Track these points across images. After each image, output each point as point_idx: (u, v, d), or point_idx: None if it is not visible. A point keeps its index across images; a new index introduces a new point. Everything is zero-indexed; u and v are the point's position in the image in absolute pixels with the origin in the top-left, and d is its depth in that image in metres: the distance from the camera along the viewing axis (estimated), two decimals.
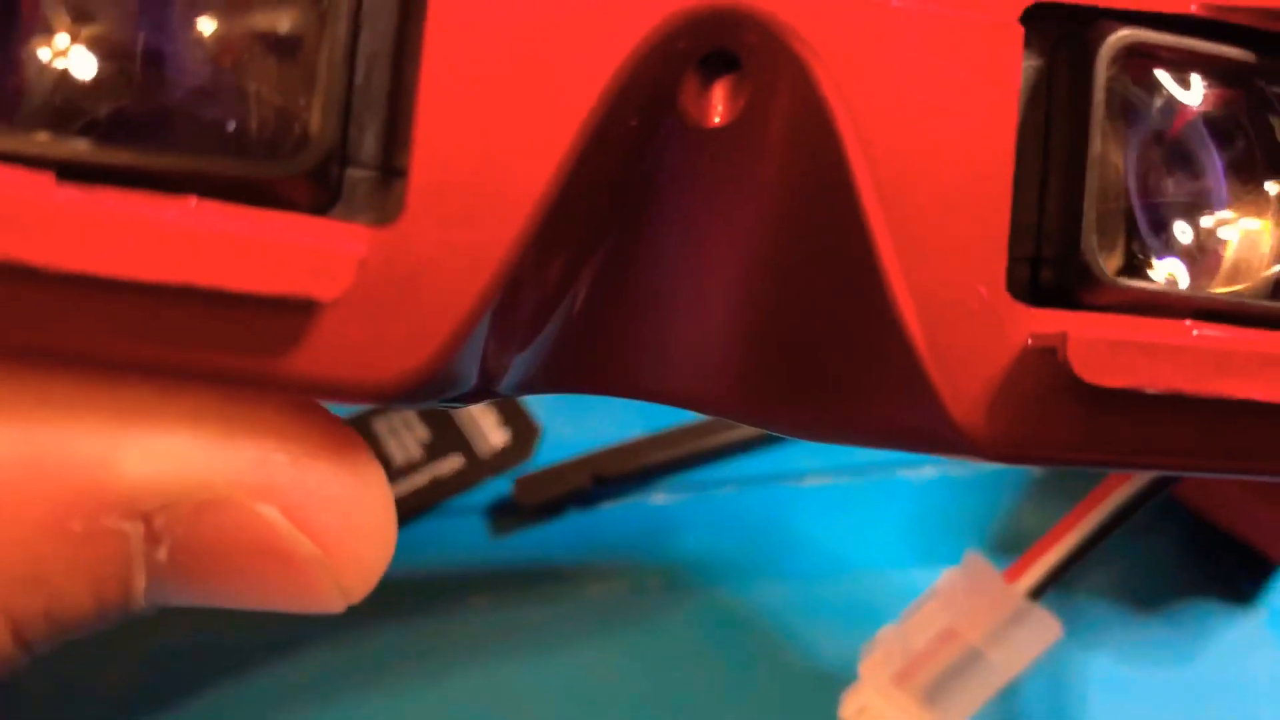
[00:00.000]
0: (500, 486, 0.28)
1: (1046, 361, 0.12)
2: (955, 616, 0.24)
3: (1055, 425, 0.13)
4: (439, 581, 0.28)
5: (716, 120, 0.13)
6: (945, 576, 0.25)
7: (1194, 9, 0.13)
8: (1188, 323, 0.13)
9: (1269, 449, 0.13)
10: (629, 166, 0.13)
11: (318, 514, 0.12)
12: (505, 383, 0.14)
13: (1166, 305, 0.13)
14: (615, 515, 0.29)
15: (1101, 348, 0.12)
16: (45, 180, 0.10)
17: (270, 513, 0.11)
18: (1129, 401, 0.12)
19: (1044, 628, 0.24)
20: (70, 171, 0.10)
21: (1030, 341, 0.12)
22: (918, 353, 0.12)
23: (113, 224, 0.10)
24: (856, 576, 0.28)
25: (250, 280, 0.10)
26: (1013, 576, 0.24)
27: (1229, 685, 0.28)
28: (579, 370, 0.15)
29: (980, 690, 0.24)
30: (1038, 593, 0.25)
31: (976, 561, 0.25)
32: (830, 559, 0.29)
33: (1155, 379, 0.12)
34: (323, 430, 0.12)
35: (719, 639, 0.27)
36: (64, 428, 0.11)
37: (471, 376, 0.12)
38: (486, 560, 0.28)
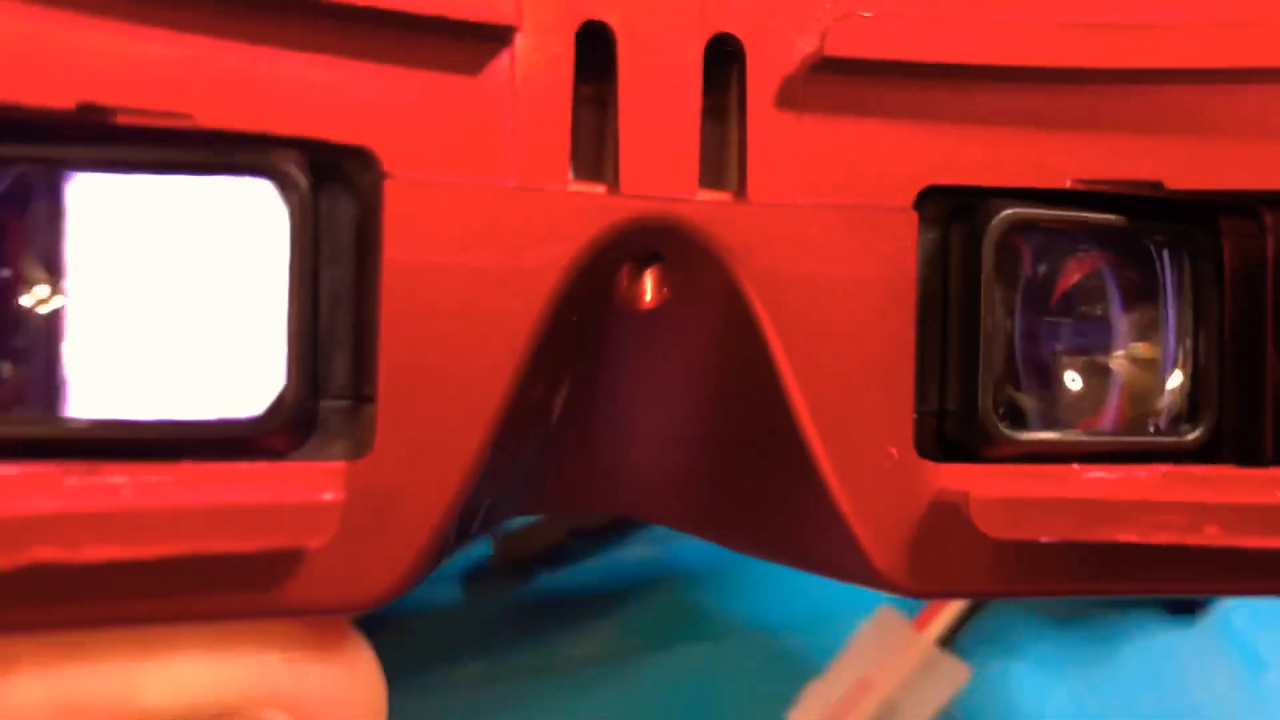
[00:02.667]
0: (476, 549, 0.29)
1: (953, 513, 0.14)
2: (869, 668, 0.26)
3: (965, 567, 0.14)
4: (423, 650, 0.29)
5: (648, 301, 0.14)
6: (860, 629, 0.27)
7: (1069, 184, 0.14)
8: (1077, 467, 0.14)
9: (1158, 573, 0.14)
10: (574, 350, 0.14)
11: (317, 707, 0.13)
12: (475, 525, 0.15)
13: (1059, 452, 0.14)
14: (592, 570, 0.30)
15: (999, 507, 0.13)
16: (52, 471, 0.11)
17: (277, 717, 0.12)
18: (1029, 545, 0.14)
19: (953, 673, 0.26)
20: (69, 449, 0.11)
21: (938, 496, 0.14)
22: (840, 510, 0.14)
23: (120, 512, 0.11)
24: (824, 625, 0.30)
25: (245, 541, 0.11)
26: (921, 625, 0.26)
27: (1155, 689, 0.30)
28: (546, 498, 0.16)
29: None
30: (947, 639, 0.27)
31: (888, 613, 0.27)
32: (799, 607, 0.30)
33: (1048, 531, 0.13)
34: (316, 630, 0.13)
35: (692, 693, 0.29)
36: (88, 672, 0.12)
37: (444, 554, 0.13)
38: (467, 624, 0.29)
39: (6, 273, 0.12)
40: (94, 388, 0.12)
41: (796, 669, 0.28)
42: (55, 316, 0.12)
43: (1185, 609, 0.31)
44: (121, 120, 0.11)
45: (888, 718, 0.26)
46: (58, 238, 0.12)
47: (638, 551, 0.31)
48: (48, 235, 0.12)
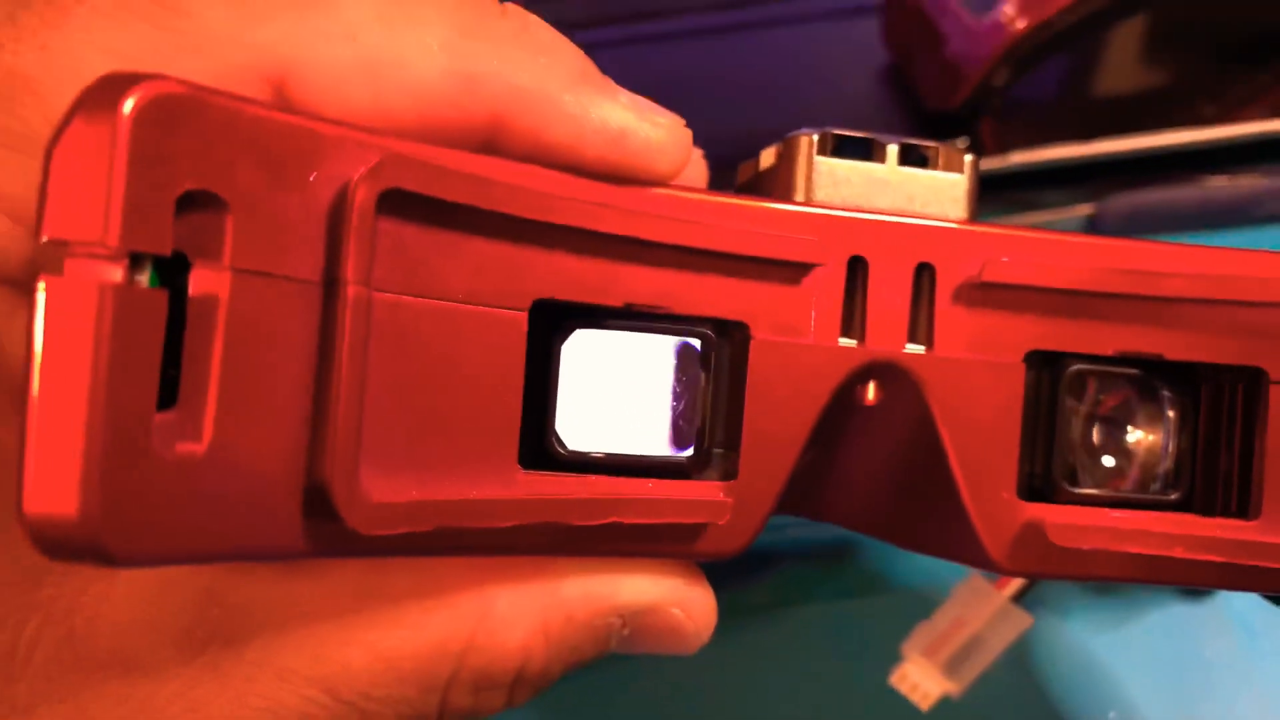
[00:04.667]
0: None
1: (1037, 530, 0.25)
2: (963, 612, 0.38)
3: (1041, 560, 0.25)
4: None
5: (870, 399, 0.26)
6: (957, 587, 0.38)
7: (1111, 352, 0.25)
8: (1110, 510, 0.25)
9: (1145, 573, 0.25)
10: (832, 421, 0.26)
11: (694, 609, 0.25)
12: None
13: (1098, 500, 0.26)
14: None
15: (1062, 528, 0.25)
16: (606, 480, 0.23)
17: (677, 612, 0.24)
18: (1075, 550, 0.25)
19: (1020, 619, 0.38)
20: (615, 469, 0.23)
21: (1030, 520, 0.25)
22: (974, 524, 0.25)
23: (644, 499, 0.23)
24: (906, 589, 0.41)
25: (688, 517, 0.23)
26: (1001, 586, 0.38)
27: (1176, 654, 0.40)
28: (791, 505, 0.28)
29: (980, 660, 0.38)
30: (1018, 597, 0.38)
31: (976, 577, 0.38)
32: (914, 577, 0.41)
33: (1087, 543, 0.25)
34: (692, 569, 0.25)
35: (837, 634, 0.40)
36: (598, 580, 0.24)
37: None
38: None
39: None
40: (615, 439, 0.24)
41: (910, 616, 0.40)
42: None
43: (1196, 591, 0.42)
44: (636, 308, 0.23)
45: (974, 646, 0.37)
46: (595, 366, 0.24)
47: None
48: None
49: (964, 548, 0.25)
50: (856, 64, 0.54)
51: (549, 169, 0.22)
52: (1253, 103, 0.54)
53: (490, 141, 0.22)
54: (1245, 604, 0.41)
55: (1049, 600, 0.40)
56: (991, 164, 0.50)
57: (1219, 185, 0.53)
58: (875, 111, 0.53)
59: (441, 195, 0.20)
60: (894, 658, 0.38)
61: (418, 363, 0.21)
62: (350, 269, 0.19)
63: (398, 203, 0.20)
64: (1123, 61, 0.57)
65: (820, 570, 0.41)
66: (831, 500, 0.28)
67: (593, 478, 0.23)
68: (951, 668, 0.37)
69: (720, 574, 0.40)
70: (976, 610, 0.37)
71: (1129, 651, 0.40)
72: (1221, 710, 0.39)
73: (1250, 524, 0.25)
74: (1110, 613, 0.41)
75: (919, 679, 0.37)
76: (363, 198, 0.19)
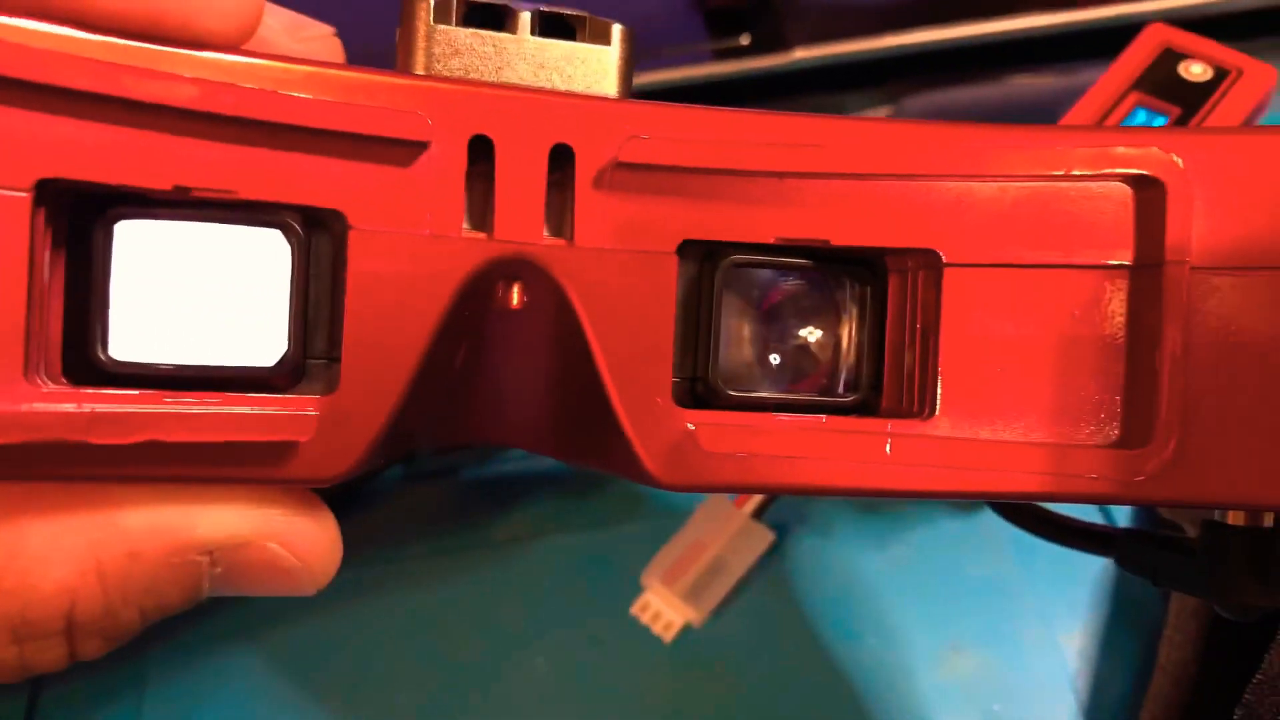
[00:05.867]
0: None
1: (692, 438, 0.22)
2: (702, 534, 0.35)
3: (700, 470, 0.23)
4: (373, 531, 0.38)
5: (514, 304, 0.23)
6: (698, 508, 0.36)
7: (772, 240, 0.23)
8: (778, 415, 0.23)
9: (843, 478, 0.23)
10: (469, 329, 0.23)
11: (299, 542, 0.22)
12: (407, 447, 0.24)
13: (765, 404, 0.23)
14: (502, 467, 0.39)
15: (714, 431, 0.22)
16: (156, 396, 0.20)
17: (274, 546, 0.21)
18: (733, 458, 0.22)
19: (762, 536, 0.36)
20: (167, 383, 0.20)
21: (686, 427, 0.23)
22: (628, 436, 0.22)
23: (203, 414, 0.19)
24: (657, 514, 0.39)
25: (265, 435, 0.20)
26: (740, 503, 0.36)
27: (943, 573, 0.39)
28: (454, 429, 0.25)
29: (723, 584, 0.35)
30: (759, 513, 0.36)
31: (717, 498, 0.36)
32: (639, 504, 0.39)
33: (741, 447, 0.22)
34: (299, 496, 0.22)
35: (583, 563, 0.38)
36: (168, 511, 0.21)
37: (382, 459, 0.22)
38: (411, 511, 0.38)
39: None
40: (180, 348, 0.21)
41: (659, 543, 0.37)
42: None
43: (968, 506, 0.40)
44: (195, 194, 0.20)
45: (716, 569, 0.35)
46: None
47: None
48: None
49: (627, 462, 0.23)
50: None
51: (61, 25, 0.19)
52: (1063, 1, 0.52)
53: None
54: None
55: (807, 518, 0.38)
56: (774, 61, 0.47)
57: (1021, 84, 0.51)
58: (655, 6, 0.50)
59: None
60: (639, 588, 0.36)
61: None
62: None
63: None
64: None
65: (573, 499, 0.39)
66: (501, 420, 0.26)
67: (139, 392, 0.20)
68: (693, 594, 0.35)
69: (461, 510, 0.38)
70: (715, 531, 0.35)
71: (891, 572, 0.38)
72: (984, 633, 0.37)
73: (926, 423, 0.23)
74: (872, 531, 0.39)
75: (660, 608, 0.35)
76: None
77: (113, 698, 0.35)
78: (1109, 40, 0.50)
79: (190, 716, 0.34)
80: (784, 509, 0.37)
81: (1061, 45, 0.51)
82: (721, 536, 0.35)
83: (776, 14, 0.49)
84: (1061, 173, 0.22)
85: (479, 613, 0.37)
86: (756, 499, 0.35)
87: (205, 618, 0.35)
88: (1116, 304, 0.22)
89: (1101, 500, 0.22)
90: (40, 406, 0.19)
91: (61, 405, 0.19)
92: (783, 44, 0.49)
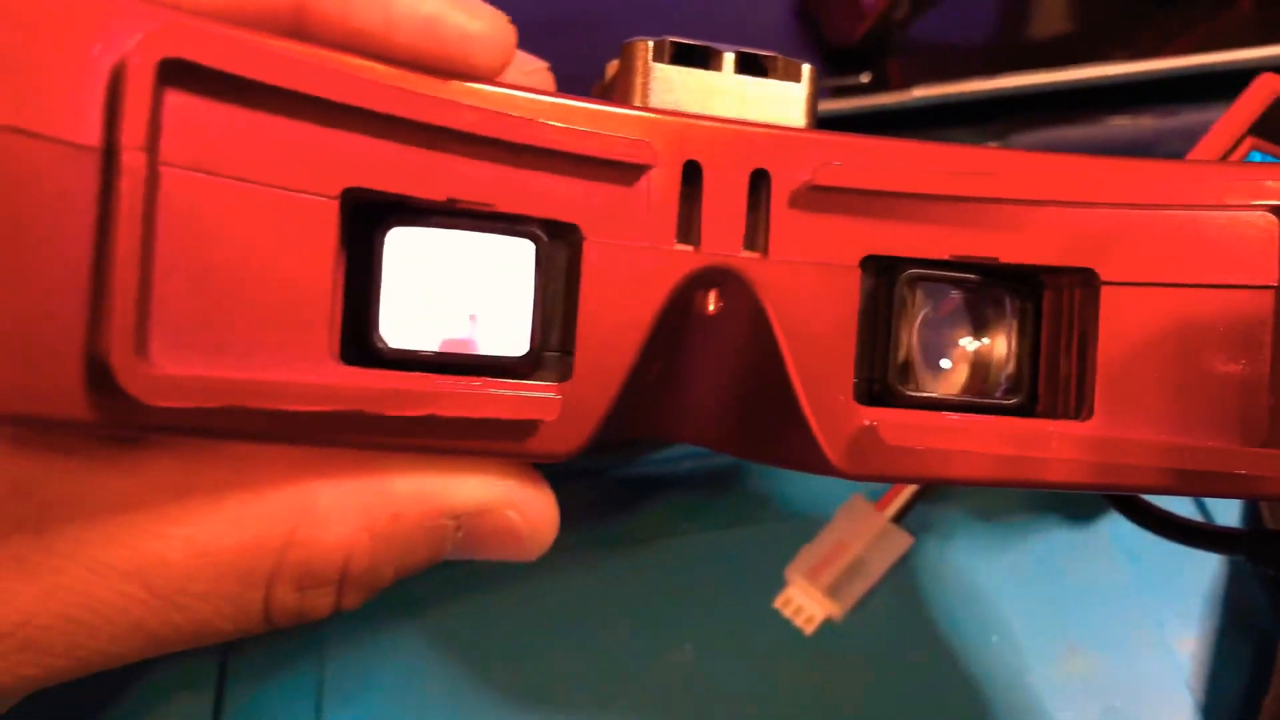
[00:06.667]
0: None
1: (872, 432, 0.25)
2: (844, 535, 0.38)
3: (880, 463, 0.25)
4: None
5: (711, 310, 0.26)
6: (839, 510, 0.39)
7: (947, 257, 0.25)
8: (948, 414, 0.25)
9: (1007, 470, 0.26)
10: (673, 331, 0.26)
11: (531, 512, 0.25)
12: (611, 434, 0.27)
13: (936, 403, 0.26)
14: (647, 468, 0.42)
15: (896, 428, 0.25)
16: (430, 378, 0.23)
17: (513, 514, 0.24)
18: (911, 452, 0.25)
19: (901, 540, 0.38)
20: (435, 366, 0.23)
21: (867, 423, 0.25)
22: (813, 429, 0.25)
23: (475, 393, 0.23)
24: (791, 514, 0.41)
25: (516, 413, 0.23)
26: (881, 507, 0.38)
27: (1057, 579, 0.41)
28: (643, 424, 0.28)
29: (863, 582, 0.38)
30: (898, 518, 0.38)
31: (857, 499, 0.38)
32: (800, 503, 0.42)
33: (920, 441, 0.25)
34: (530, 472, 0.25)
35: (726, 560, 0.40)
36: (428, 479, 0.24)
37: (602, 442, 0.25)
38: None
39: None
40: (439, 337, 0.24)
41: (796, 541, 0.40)
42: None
43: (1081, 516, 0.42)
44: (461, 205, 0.23)
45: (857, 568, 0.38)
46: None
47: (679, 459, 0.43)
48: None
49: (807, 455, 0.25)
50: (764, 1, 0.54)
51: (360, 56, 0.22)
52: (1160, 46, 0.54)
53: (298, 29, 0.22)
54: (1127, 530, 0.42)
55: (933, 525, 0.41)
56: (894, 98, 0.50)
57: (1120, 125, 0.53)
58: (780, 48, 0.53)
59: (231, 69, 0.20)
60: (780, 583, 0.39)
61: (216, 243, 0.21)
62: (125, 135, 0.19)
63: (187, 75, 0.19)
64: (1032, 2, 0.57)
65: (706, 498, 0.41)
66: (683, 417, 0.28)
67: (415, 374, 0.23)
68: (834, 590, 0.38)
69: (609, 506, 0.41)
70: (857, 532, 0.38)
71: (1012, 576, 0.40)
72: (1099, 635, 0.39)
73: (1083, 424, 0.25)
74: (994, 538, 0.41)
75: (802, 602, 0.38)
76: (138, 62, 0.19)
77: (295, 663, 0.38)
78: (1202, 85, 0.52)
79: (367, 680, 0.37)
80: (911, 517, 0.39)
81: (1157, 89, 0.54)
82: (863, 538, 0.38)
83: (895, 55, 0.52)
84: (1215, 203, 0.25)
85: (627, 602, 0.39)
86: (897, 504, 0.38)
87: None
88: (1261, 319, 0.25)
89: (1245, 496, 0.25)
90: (344, 382, 0.22)
91: (360, 381, 0.22)
92: (901, 83, 0.51)
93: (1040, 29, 0.56)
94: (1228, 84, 0.49)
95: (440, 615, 0.39)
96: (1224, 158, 0.42)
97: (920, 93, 0.50)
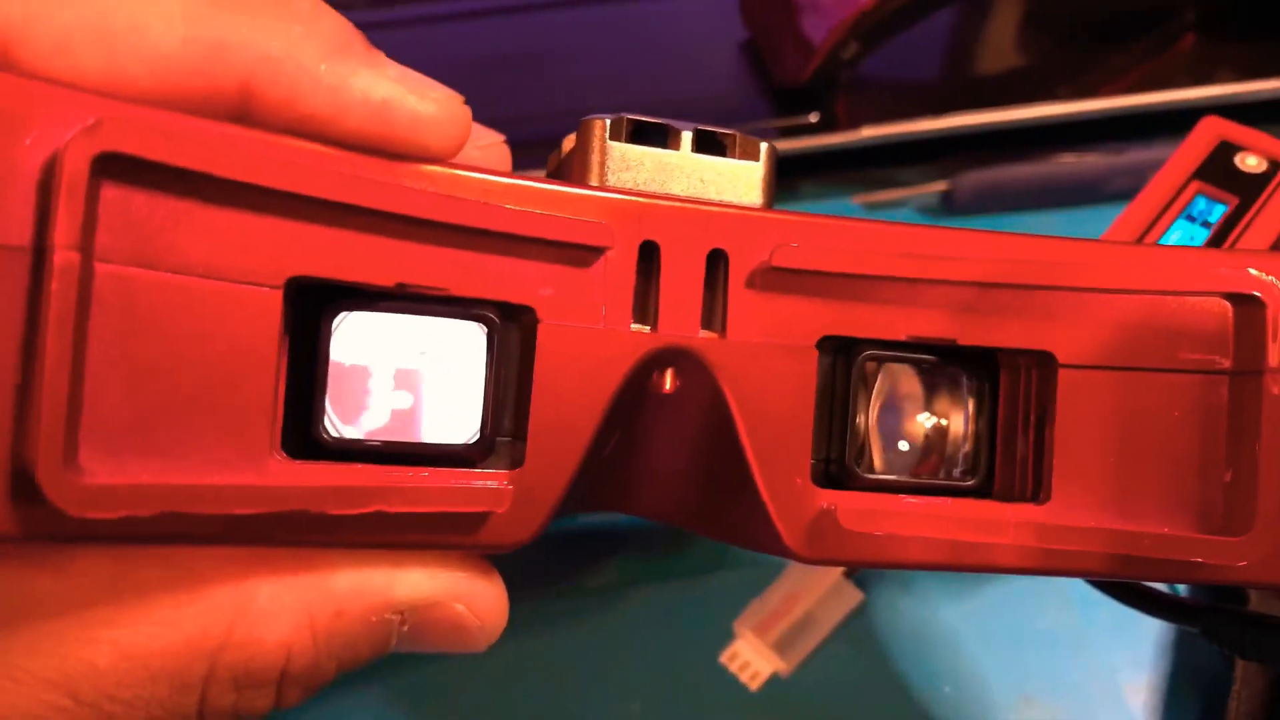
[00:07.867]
0: None
1: (830, 515, 0.25)
2: (795, 587, 0.38)
3: (837, 547, 0.25)
4: None
5: (667, 389, 0.25)
6: (791, 564, 0.38)
7: (904, 338, 0.25)
8: (905, 496, 0.25)
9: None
10: (629, 410, 0.25)
11: (479, 604, 0.24)
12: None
13: (893, 485, 0.25)
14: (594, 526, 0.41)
15: (854, 513, 0.24)
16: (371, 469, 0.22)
17: (460, 607, 0.24)
18: (868, 537, 0.25)
19: (852, 595, 0.38)
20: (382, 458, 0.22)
21: (824, 506, 0.25)
22: (770, 513, 0.24)
23: (418, 488, 0.22)
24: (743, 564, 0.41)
25: (466, 506, 0.22)
26: None
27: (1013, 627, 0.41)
28: (597, 501, 0.27)
29: (812, 637, 0.38)
30: (851, 571, 0.38)
31: None
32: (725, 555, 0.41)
33: (877, 527, 0.24)
34: (479, 561, 0.24)
35: (675, 612, 0.40)
36: (371, 573, 0.23)
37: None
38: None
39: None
40: (385, 426, 0.23)
41: (748, 592, 0.40)
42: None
43: None
44: (411, 290, 0.23)
45: (806, 623, 0.38)
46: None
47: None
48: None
49: (763, 536, 0.25)
50: (714, 40, 0.53)
51: (308, 142, 0.21)
52: (1106, 85, 0.55)
53: (244, 113, 0.21)
54: None
55: (888, 574, 0.41)
56: (843, 138, 0.50)
57: (1068, 163, 0.53)
58: (730, 87, 0.53)
59: (170, 160, 0.19)
60: (730, 635, 0.38)
61: (153, 340, 0.20)
62: (58, 234, 0.18)
63: (124, 168, 0.19)
64: (980, 42, 0.57)
65: (662, 551, 0.41)
66: (640, 493, 0.28)
67: (360, 466, 0.22)
68: (782, 645, 0.37)
69: (564, 561, 0.41)
70: (808, 586, 0.38)
71: (967, 624, 0.40)
72: (1053, 683, 0.39)
73: (1040, 508, 0.25)
74: (946, 587, 0.41)
75: (749, 657, 0.38)
76: (73, 158, 0.18)
77: None
78: (1148, 122, 0.53)
79: None
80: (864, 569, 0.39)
81: (1103, 127, 0.54)
82: (815, 591, 0.37)
83: (843, 93, 0.52)
84: (1170, 288, 0.24)
85: (575, 658, 0.39)
86: None
87: None
88: (1218, 404, 0.25)
89: (1201, 582, 0.25)
90: (286, 480, 0.21)
91: (302, 479, 0.21)
92: (849, 122, 0.51)
93: (987, 68, 0.57)
94: (1173, 122, 0.49)
95: (391, 677, 0.38)
96: (1170, 204, 0.43)
97: (869, 132, 0.50)
